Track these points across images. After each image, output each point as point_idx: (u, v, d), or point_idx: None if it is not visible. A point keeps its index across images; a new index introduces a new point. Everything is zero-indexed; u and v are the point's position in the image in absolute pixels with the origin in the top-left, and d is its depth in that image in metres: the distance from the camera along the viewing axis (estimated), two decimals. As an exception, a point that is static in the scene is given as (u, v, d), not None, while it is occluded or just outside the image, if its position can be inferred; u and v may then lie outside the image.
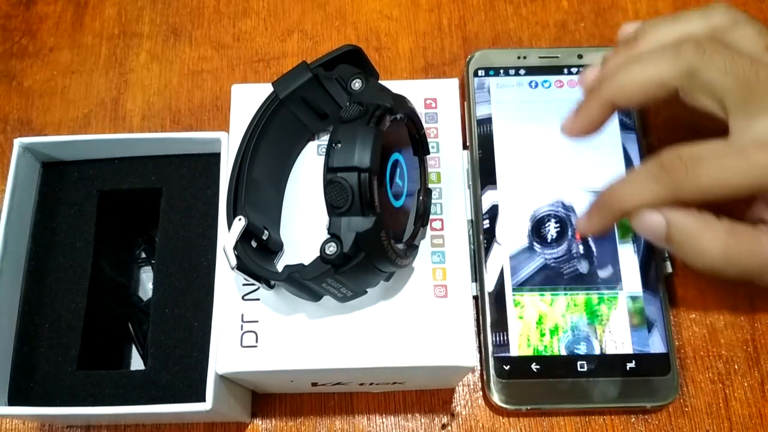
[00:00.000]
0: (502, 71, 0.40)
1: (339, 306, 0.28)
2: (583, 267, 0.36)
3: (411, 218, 0.28)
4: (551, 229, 0.36)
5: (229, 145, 0.31)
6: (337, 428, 0.35)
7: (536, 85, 0.39)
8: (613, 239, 0.36)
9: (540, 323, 0.35)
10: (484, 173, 0.37)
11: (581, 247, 0.36)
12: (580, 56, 0.40)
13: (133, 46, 0.43)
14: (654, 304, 0.35)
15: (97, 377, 0.30)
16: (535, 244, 0.36)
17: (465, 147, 0.37)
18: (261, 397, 0.35)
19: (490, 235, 0.36)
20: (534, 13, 0.43)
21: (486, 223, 0.36)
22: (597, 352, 0.34)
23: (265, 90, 0.29)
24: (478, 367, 0.35)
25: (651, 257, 0.36)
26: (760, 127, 0.27)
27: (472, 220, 0.37)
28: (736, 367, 0.35)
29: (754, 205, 0.30)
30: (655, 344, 0.34)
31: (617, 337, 0.34)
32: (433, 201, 0.30)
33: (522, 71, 0.39)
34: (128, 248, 0.36)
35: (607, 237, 0.36)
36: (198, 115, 0.41)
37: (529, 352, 0.34)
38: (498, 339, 0.34)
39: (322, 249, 0.24)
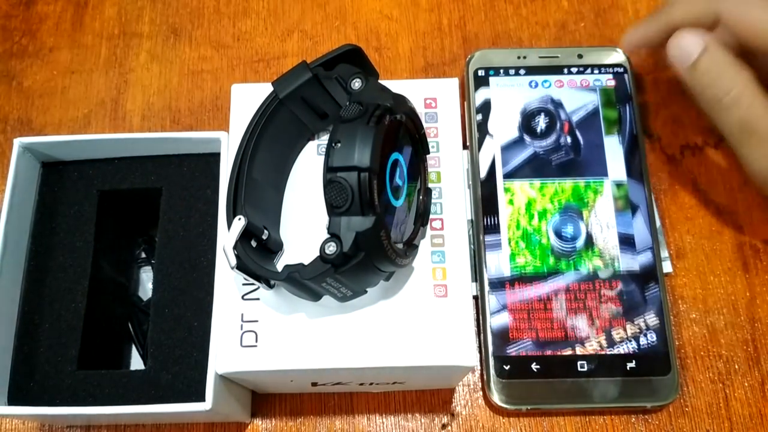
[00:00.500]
0: (502, 71, 0.40)
1: (339, 306, 0.28)
2: (571, 156, 0.37)
3: (411, 218, 0.28)
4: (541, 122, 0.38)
5: (228, 145, 0.31)
6: (337, 428, 0.35)
7: (536, 85, 0.39)
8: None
9: (529, 208, 0.36)
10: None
11: (569, 139, 0.37)
12: (580, 56, 0.40)
13: (133, 46, 0.43)
14: (639, 191, 0.37)
15: (97, 377, 0.30)
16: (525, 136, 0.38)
17: (465, 147, 0.37)
18: (261, 397, 0.35)
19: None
20: (534, 13, 0.43)
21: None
22: (583, 234, 0.36)
23: (265, 90, 0.29)
24: (478, 367, 0.35)
25: (635, 149, 0.37)
26: None
27: (472, 219, 0.37)
28: (737, 367, 0.35)
29: None
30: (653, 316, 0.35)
31: (603, 219, 0.36)
32: (433, 201, 0.30)
33: (522, 71, 0.39)
34: (128, 248, 0.36)
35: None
36: (198, 115, 0.41)
37: (519, 234, 0.36)
38: (489, 222, 0.36)
39: (322, 249, 0.24)
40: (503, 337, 0.34)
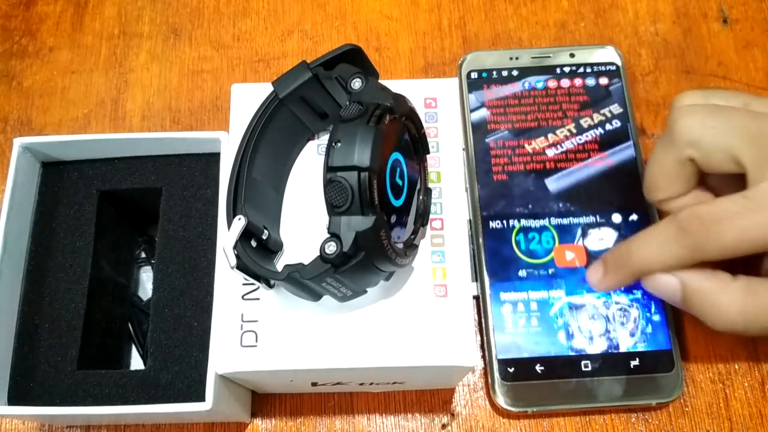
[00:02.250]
0: (495, 72, 0.40)
1: (339, 306, 0.28)
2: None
3: (411, 218, 0.28)
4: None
5: (229, 145, 0.31)
6: (337, 428, 0.35)
7: (530, 86, 0.39)
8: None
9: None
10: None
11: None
12: (572, 55, 0.40)
13: (133, 46, 0.43)
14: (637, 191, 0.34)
15: (97, 377, 0.30)
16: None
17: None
18: (261, 397, 0.35)
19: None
20: (534, 13, 0.43)
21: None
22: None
23: (265, 90, 0.29)
24: (479, 367, 0.35)
25: (631, 147, 0.37)
26: None
27: (471, 219, 0.37)
28: (737, 367, 0.35)
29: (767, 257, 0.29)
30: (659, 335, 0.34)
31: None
32: (433, 200, 0.30)
33: (515, 72, 0.39)
34: (128, 248, 0.36)
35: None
36: (198, 115, 0.41)
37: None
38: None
39: (322, 248, 0.24)
40: (507, 339, 0.34)
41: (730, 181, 0.29)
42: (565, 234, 0.36)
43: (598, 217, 0.36)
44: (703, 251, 0.28)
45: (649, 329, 0.34)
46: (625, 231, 0.36)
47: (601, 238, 0.36)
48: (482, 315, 0.35)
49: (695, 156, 0.29)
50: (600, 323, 0.35)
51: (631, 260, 0.30)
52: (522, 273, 0.35)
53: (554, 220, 0.36)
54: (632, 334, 0.34)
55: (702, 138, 0.29)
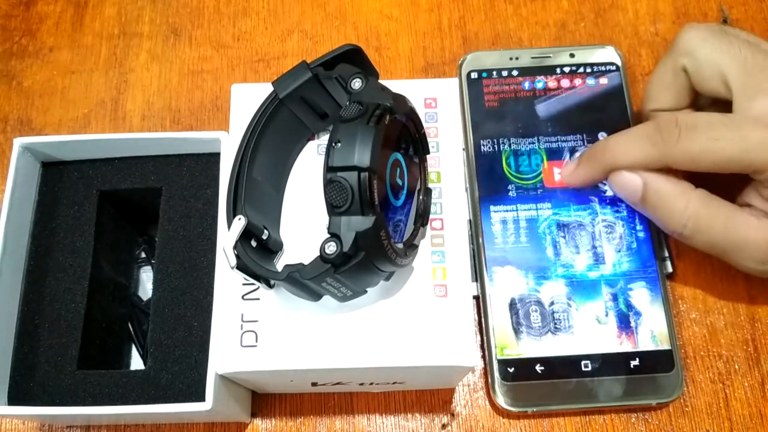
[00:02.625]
0: (494, 72, 0.40)
1: (339, 306, 0.28)
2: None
3: (411, 218, 0.28)
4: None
5: (229, 145, 0.31)
6: (337, 428, 0.35)
7: (530, 86, 0.39)
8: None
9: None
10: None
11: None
12: (572, 55, 0.40)
13: (133, 46, 0.43)
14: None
15: (97, 377, 0.30)
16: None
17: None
18: (261, 397, 0.35)
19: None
20: (534, 13, 0.43)
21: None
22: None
23: (265, 90, 0.29)
24: (479, 367, 0.35)
25: None
26: (759, 106, 0.28)
27: (471, 219, 0.37)
28: (737, 367, 0.35)
29: (745, 190, 0.31)
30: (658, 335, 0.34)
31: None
32: (433, 201, 0.30)
33: (515, 72, 0.39)
34: (128, 248, 0.36)
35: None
36: (198, 115, 0.41)
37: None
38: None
39: (322, 248, 0.24)
40: (507, 339, 0.34)
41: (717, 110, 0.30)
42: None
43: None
44: (671, 154, 0.29)
45: (649, 330, 0.34)
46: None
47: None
48: (482, 315, 0.35)
49: (688, 66, 0.31)
50: (587, 238, 0.35)
51: (605, 154, 0.31)
52: (511, 190, 0.37)
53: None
54: (618, 250, 0.35)
55: (697, 49, 0.30)
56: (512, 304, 0.35)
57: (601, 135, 0.38)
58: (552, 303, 0.35)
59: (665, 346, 0.34)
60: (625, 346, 0.34)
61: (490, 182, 0.37)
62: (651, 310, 0.35)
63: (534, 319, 0.35)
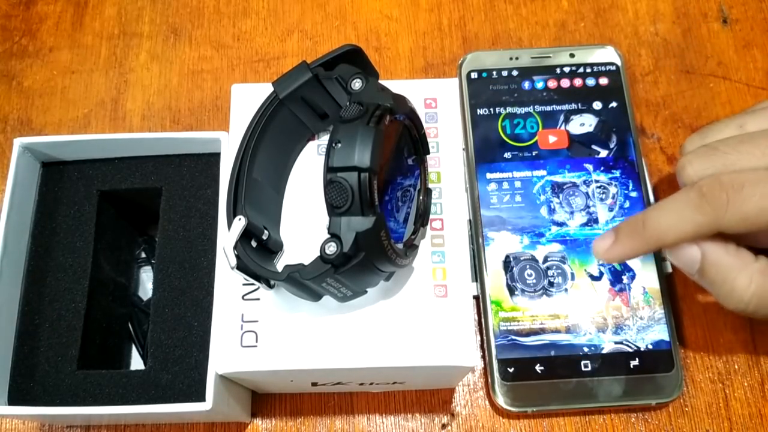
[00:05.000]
0: (494, 72, 0.40)
1: (339, 306, 0.28)
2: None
3: (411, 218, 0.28)
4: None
5: (229, 145, 0.31)
6: (337, 428, 0.35)
7: (530, 86, 0.39)
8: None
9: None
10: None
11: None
12: (572, 55, 0.40)
13: (133, 46, 0.43)
14: (637, 191, 0.37)
15: (97, 377, 0.30)
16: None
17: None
18: (261, 397, 0.35)
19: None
20: (534, 13, 0.43)
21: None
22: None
23: (265, 90, 0.29)
24: (479, 367, 0.35)
25: (632, 148, 0.38)
26: None
27: (471, 219, 0.37)
28: (736, 367, 0.35)
29: None
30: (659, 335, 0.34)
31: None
32: (433, 200, 0.30)
33: (515, 72, 0.39)
34: (128, 248, 0.36)
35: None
36: (198, 115, 0.41)
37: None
38: None
39: (322, 249, 0.24)
40: (507, 340, 0.34)
41: None
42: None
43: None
44: (724, 221, 0.26)
45: (649, 330, 0.34)
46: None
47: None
48: (482, 315, 0.35)
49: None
50: (581, 199, 0.36)
51: (647, 230, 0.28)
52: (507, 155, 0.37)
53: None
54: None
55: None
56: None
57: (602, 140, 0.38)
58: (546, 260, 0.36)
59: (665, 346, 0.34)
60: (624, 346, 0.34)
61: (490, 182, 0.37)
62: (651, 310, 0.35)
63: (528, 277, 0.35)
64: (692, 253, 0.28)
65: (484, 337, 0.35)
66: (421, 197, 0.29)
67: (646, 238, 0.28)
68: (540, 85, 0.39)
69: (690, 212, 0.27)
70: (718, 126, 0.30)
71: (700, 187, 0.27)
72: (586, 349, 0.34)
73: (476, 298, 0.35)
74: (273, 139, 0.29)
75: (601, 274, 0.35)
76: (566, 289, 0.35)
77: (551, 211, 0.36)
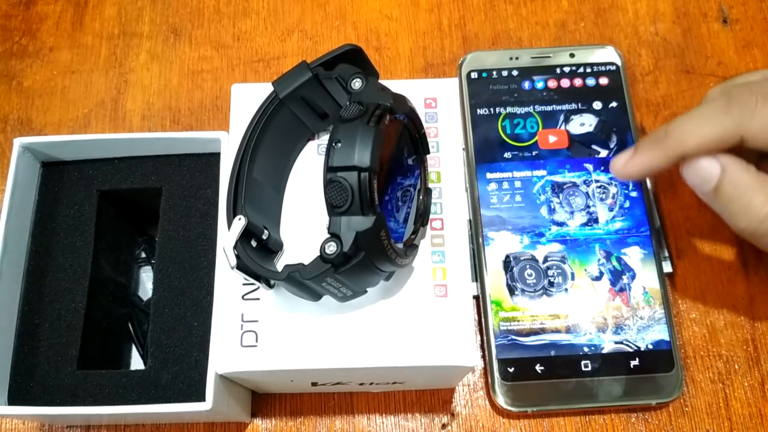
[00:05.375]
0: (494, 72, 0.40)
1: (339, 306, 0.28)
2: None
3: (411, 218, 0.28)
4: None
5: (229, 145, 0.31)
6: (337, 428, 0.35)
7: (530, 86, 0.39)
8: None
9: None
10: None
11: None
12: (572, 55, 0.40)
13: (133, 46, 0.43)
14: (638, 191, 0.37)
15: (97, 377, 0.30)
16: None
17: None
18: (261, 397, 0.35)
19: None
20: (534, 13, 0.43)
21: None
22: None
23: (265, 90, 0.29)
24: (479, 367, 0.35)
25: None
26: None
27: (471, 219, 0.37)
28: (737, 366, 0.35)
29: None
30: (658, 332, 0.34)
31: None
32: (433, 200, 0.30)
33: (515, 72, 0.39)
34: (128, 248, 0.36)
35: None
36: (198, 115, 0.41)
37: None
38: None
39: (322, 248, 0.24)
40: (507, 339, 0.34)
41: None
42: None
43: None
44: (750, 125, 0.26)
45: (649, 330, 0.34)
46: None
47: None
48: (482, 315, 0.35)
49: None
50: (581, 198, 0.36)
51: (668, 135, 0.27)
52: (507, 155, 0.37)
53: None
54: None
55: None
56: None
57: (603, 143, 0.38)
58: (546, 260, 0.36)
59: (665, 346, 0.34)
60: (625, 346, 0.34)
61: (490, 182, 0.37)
62: (651, 311, 0.35)
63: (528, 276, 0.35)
64: (711, 167, 0.27)
65: (484, 337, 0.35)
66: (421, 197, 0.29)
67: (667, 145, 0.27)
68: (540, 85, 0.39)
69: (717, 114, 0.26)
70: (744, 75, 0.30)
71: (729, 92, 0.26)
72: (586, 349, 0.34)
73: (476, 298, 0.36)
74: (273, 138, 0.29)
75: (601, 274, 0.35)
76: (566, 289, 0.35)
77: (551, 211, 0.36)
